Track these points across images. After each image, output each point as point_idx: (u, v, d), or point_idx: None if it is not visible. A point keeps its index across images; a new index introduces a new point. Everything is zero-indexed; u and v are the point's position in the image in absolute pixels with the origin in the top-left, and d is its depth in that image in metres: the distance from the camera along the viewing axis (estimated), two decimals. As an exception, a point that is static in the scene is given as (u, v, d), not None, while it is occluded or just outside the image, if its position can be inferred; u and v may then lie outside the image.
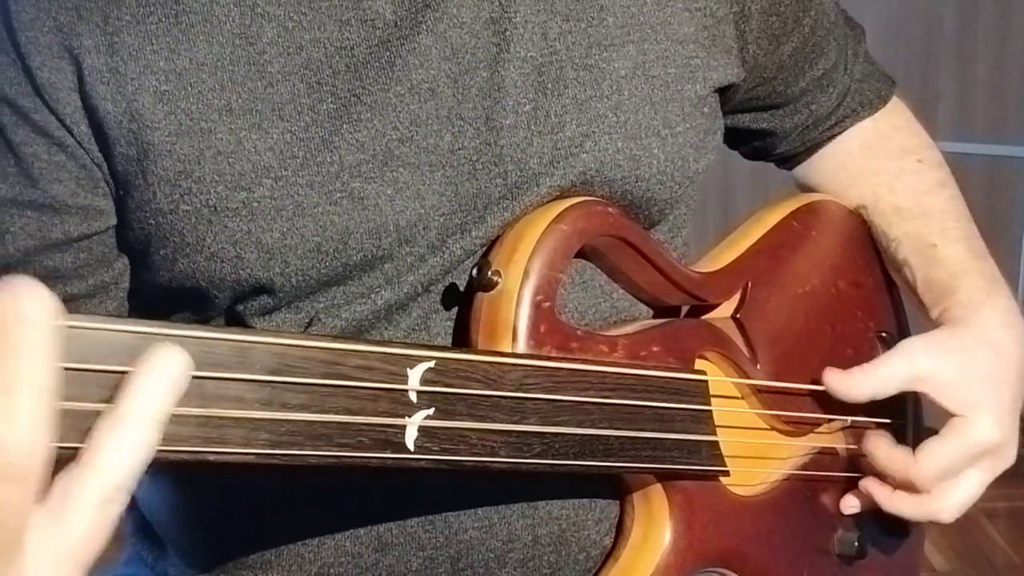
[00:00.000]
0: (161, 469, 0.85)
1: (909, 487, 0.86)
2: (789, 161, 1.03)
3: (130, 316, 0.80)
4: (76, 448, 0.51)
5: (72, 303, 0.77)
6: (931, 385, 0.87)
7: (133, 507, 0.93)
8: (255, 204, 0.72)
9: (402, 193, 0.74)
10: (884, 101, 1.01)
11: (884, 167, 1.00)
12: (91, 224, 0.75)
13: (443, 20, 0.74)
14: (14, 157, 0.73)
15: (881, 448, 0.88)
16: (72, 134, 0.72)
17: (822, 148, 1.01)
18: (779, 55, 0.90)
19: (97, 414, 0.51)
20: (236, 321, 0.77)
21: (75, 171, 0.74)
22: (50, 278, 0.76)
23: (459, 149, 0.75)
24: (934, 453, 0.86)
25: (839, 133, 1.01)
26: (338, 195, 0.73)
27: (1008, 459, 0.87)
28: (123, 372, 0.52)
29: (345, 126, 0.73)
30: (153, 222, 0.73)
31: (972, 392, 0.86)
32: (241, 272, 0.73)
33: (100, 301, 0.78)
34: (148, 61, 0.71)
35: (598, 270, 0.81)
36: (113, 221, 0.76)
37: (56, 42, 0.71)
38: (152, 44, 0.71)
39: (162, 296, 0.77)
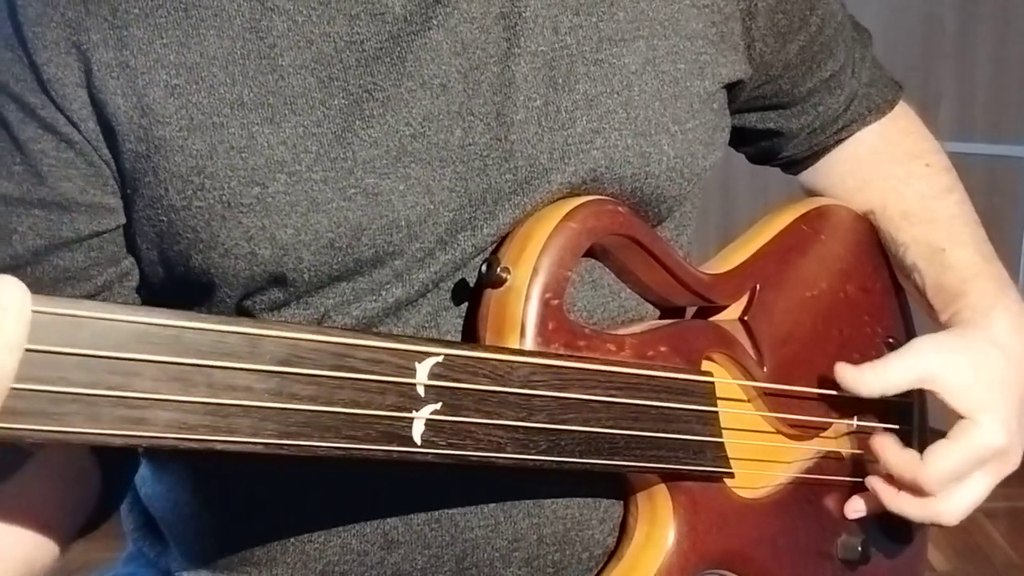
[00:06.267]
0: (168, 459, 0.86)
1: (915, 490, 0.86)
2: (796, 166, 1.03)
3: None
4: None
5: None
6: (939, 385, 0.86)
7: (136, 503, 0.93)
8: (269, 199, 0.71)
9: (413, 189, 0.74)
10: (891, 105, 1.01)
11: (892, 172, 0.99)
12: (101, 222, 0.75)
13: (453, 15, 0.74)
14: (21, 155, 0.72)
15: (889, 449, 0.87)
16: (79, 131, 0.72)
17: (829, 153, 1.01)
18: (786, 53, 0.90)
19: None
20: (245, 316, 0.76)
21: (83, 168, 0.73)
22: (60, 279, 0.75)
23: (469, 144, 0.75)
24: (942, 457, 0.85)
25: (846, 137, 1.00)
26: (352, 191, 0.72)
27: (1014, 463, 0.87)
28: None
29: (358, 122, 0.72)
30: (165, 219, 0.73)
31: (980, 394, 0.86)
32: (255, 268, 0.73)
33: (105, 299, 0.77)
34: (158, 55, 0.71)
35: (607, 269, 0.81)
36: (122, 219, 0.75)
37: (63, 37, 0.70)
38: (162, 38, 0.71)
39: (173, 291, 0.77)
